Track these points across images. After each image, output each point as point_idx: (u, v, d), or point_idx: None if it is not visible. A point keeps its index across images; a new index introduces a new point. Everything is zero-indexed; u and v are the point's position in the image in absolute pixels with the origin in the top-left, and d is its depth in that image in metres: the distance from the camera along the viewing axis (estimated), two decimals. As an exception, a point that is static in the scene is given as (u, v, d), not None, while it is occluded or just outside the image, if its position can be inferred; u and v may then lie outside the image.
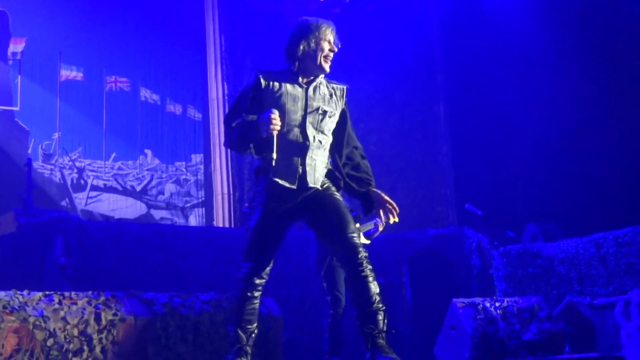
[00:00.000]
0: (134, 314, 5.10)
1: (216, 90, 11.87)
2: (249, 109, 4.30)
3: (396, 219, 4.46)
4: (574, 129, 11.32)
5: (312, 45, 4.33)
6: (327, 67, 4.37)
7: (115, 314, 4.97)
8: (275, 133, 4.13)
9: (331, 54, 4.36)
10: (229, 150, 11.73)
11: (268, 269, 4.34)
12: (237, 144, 4.31)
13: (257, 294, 4.33)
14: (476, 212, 9.82)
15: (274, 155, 4.16)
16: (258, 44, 11.87)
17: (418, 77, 12.78)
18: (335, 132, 4.48)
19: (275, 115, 4.12)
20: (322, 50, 4.33)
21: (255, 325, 4.36)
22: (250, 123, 4.21)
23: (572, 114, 11.35)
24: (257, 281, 4.32)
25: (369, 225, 7.38)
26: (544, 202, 11.23)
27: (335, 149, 4.48)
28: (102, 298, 5.02)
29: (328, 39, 4.35)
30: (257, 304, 4.36)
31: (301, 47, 4.33)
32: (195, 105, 12.13)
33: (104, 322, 4.89)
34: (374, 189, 4.46)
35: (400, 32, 12.75)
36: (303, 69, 4.35)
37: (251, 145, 4.25)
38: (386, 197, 4.43)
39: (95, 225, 8.83)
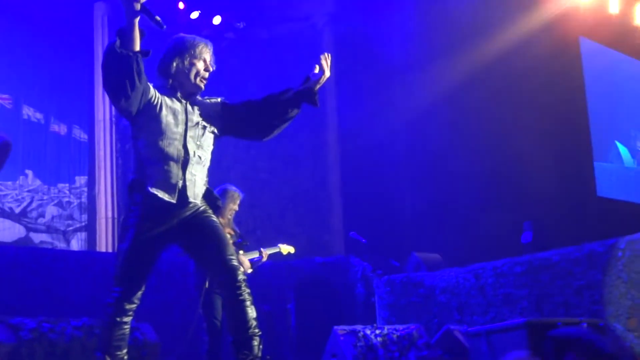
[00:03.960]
0: (-1, 340, 4.89)
1: (103, 111, 11.64)
2: None
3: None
4: (454, 163, 11.67)
5: (187, 63, 4.28)
6: (202, 85, 4.33)
7: (-23, 340, 4.75)
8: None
9: (206, 74, 4.32)
10: (114, 172, 11.51)
11: (140, 293, 4.20)
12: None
13: (127, 319, 4.18)
14: (360, 240, 9.89)
15: (158, 18, 4.03)
16: (148, 64, 11.68)
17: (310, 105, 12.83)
18: (235, 113, 4.46)
19: None
20: (197, 68, 4.29)
21: (125, 351, 4.21)
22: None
23: (452, 150, 11.71)
24: (128, 306, 4.17)
25: (254, 254, 7.36)
26: (428, 232, 11.45)
27: (249, 108, 4.47)
28: (-36, 323, 4.79)
29: (204, 57, 4.31)
30: (127, 330, 4.22)
31: (174, 64, 4.28)
32: (81, 126, 11.81)
33: (-36, 348, 4.66)
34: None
35: (293, 60, 12.81)
36: (177, 86, 4.29)
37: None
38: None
39: (-31, 248, 8.49)
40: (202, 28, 12.27)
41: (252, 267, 7.37)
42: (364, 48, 12.49)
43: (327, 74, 4.43)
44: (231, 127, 4.50)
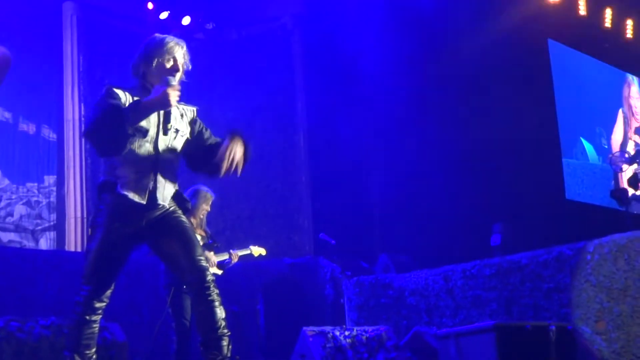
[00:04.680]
0: (-35, 339, 4.84)
1: (72, 111, 11.54)
2: None
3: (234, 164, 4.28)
4: (424, 164, 11.73)
5: (155, 63, 4.24)
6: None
7: (-56, 339, 4.69)
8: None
9: (176, 72, 4.29)
10: (83, 172, 11.41)
11: (109, 292, 4.20)
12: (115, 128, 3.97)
13: (96, 317, 4.18)
14: (329, 241, 9.91)
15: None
16: (118, 65, 11.61)
17: (279, 106, 12.85)
18: (197, 147, 4.44)
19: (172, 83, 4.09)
20: (166, 69, 4.25)
21: (93, 350, 4.21)
22: (138, 103, 4.07)
23: (421, 152, 11.78)
24: (97, 305, 4.17)
25: (224, 255, 7.37)
26: (397, 234, 11.49)
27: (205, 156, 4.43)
28: None
29: (173, 56, 4.27)
30: (97, 328, 4.22)
31: (145, 65, 4.26)
32: (50, 125, 11.68)
33: None
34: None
35: (262, 61, 12.81)
36: (149, 87, 4.24)
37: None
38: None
39: None
40: (171, 28, 12.20)
41: (222, 268, 7.38)
42: (333, 48, 12.50)
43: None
44: (187, 156, 4.51)
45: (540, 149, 12.68)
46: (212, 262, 7.10)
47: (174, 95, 4.06)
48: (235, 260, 7.48)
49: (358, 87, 12.43)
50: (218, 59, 12.66)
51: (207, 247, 7.25)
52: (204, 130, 4.49)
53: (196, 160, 4.50)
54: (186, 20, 12.40)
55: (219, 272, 7.27)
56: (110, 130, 3.95)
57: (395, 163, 12.04)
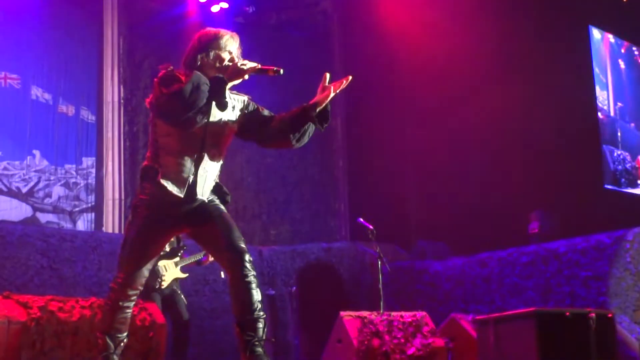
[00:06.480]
0: (7, 317, 4.89)
1: (112, 93, 11.60)
2: None
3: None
4: (461, 150, 11.67)
5: (212, 55, 4.23)
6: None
7: (-14, 317, 4.76)
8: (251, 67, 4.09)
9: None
10: (122, 154, 11.49)
11: (143, 280, 4.29)
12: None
13: (129, 304, 4.29)
14: (367, 226, 9.89)
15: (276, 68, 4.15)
16: (158, 47, 11.68)
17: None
18: (260, 123, 4.41)
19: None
20: (222, 61, 4.23)
21: (125, 334, 4.32)
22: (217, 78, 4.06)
23: (459, 137, 11.71)
24: (130, 292, 4.27)
25: (198, 256, 7.47)
26: (434, 220, 11.45)
27: (263, 127, 4.42)
28: (-27, 300, 4.80)
29: (229, 49, 4.25)
30: (129, 313, 4.33)
31: (200, 58, 4.22)
32: (90, 107, 11.75)
33: (-27, 326, 4.68)
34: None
35: (301, 45, 12.79)
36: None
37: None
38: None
39: (-24, 226, 8.50)
40: (212, 12, 12.22)
41: (199, 264, 7.59)
42: (373, 33, 12.45)
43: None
44: (251, 132, 4.46)
45: (579, 136, 12.56)
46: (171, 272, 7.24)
47: (237, 68, 4.07)
48: (211, 258, 7.52)
49: (396, 72, 12.38)
50: (257, 42, 12.65)
51: (173, 251, 7.33)
52: (259, 108, 4.45)
53: (262, 135, 4.44)
54: (226, 4, 12.39)
55: (183, 275, 7.41)
56: (198, 102, 3.94)
57: (432, 148, 12.00)
